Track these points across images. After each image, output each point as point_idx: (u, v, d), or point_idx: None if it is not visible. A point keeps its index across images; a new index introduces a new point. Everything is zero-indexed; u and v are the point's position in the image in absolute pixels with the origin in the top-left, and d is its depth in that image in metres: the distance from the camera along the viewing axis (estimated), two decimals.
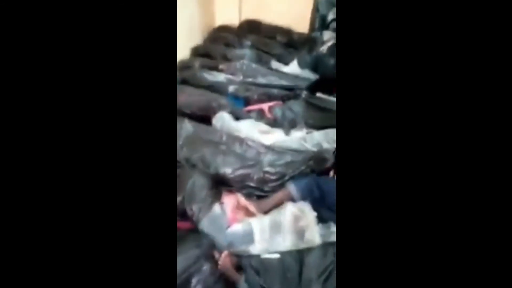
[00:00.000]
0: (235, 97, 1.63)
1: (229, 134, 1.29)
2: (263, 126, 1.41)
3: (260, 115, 1.60)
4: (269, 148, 1.21)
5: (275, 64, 2.00)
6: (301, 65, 2.02)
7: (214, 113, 1.42)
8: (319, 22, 2.70)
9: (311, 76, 1.88)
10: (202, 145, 1.23)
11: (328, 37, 2.59)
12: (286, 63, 2.07)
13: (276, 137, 1.35)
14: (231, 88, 1.59)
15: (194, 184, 1.03)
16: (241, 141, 1.24)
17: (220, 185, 1.14)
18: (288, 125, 1.53)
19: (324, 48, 2.32)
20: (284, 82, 1.73)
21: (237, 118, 1.47)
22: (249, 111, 1.60)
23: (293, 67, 1.98)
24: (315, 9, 2.63)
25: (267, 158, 1.16)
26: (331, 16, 2.77)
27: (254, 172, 1.12)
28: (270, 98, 1.65)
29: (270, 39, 2.45)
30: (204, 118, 1.46)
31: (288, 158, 1.15)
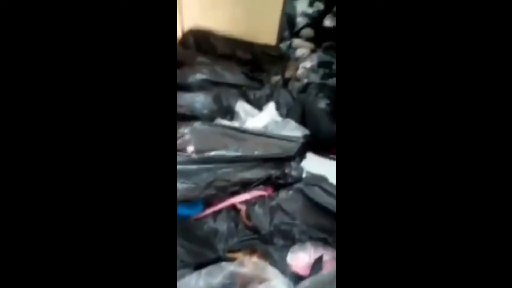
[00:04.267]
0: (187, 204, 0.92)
1: None
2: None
3: (233, 220, 1.02)
4: None
5: (242, 108, 1.39)
6: (281, 109, 1.44)
7: None
8: (287, 29, 2.12)
9: (297, 129, 1.32)
10: None
11: (302, 51, 2.03)
12: (258, 103, 1.47)
13: None
14: (179, 193, 0.85)
15: None
16: None
17: None
18: (282, 239, 0.97)
19: (301, 73, 1.76)
20: (262, 151, 1.13)
21: (201, 265, 0.78)
22: (214, 213, 0.91)
23: (269, 114, 1.39)
24: (284, 11, 2.02)
25: None
26: (301, 20, 2.21)
27: None
28: (244, 186, 1.04)
29: (228, 59, 1.80)
30: None
31: None
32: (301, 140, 1.17)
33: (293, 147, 1.14)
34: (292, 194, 0.91)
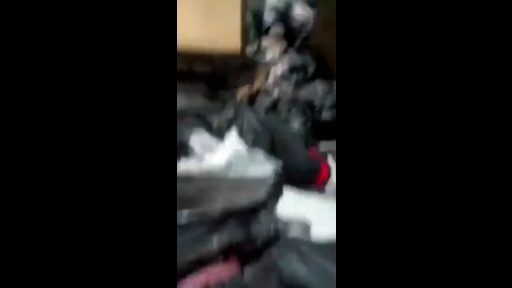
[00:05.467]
0: None
1: None
2: None
3: None
4: None
5: (197, 141, 1.11)
6: (246, 136, 1.17)
7: None
8: (253, 28, 1.84)
9: (267, 162, 1.03)
10: None
11: (273, 54, 1.76)
12: (219, 131, 1.20)
13: None
14: None
15: None
16: None
17: None
18: None
19: (271, 83, 1.48)
20: (221, 205, 0.86)
21: None
22: None
23: (231, 145, 1.12)
24: (244, 7, 1.73)
25: None
26: (268, 15, 1.93)
27: None
28: (196, 264, 0.80)
29: (182, 77, 1.52)
30: None
31: None
32: (272, 179, 0.92)
33: (262, 191, 0.88)
34: (262, 273, 0.66)
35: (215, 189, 0.87)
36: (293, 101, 1.09)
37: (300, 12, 1.72)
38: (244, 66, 1.52)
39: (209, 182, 0.89)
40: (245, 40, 1.59)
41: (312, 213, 0.86)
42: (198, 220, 0.78)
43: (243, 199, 0.85)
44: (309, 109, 1.04)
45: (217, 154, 1.01)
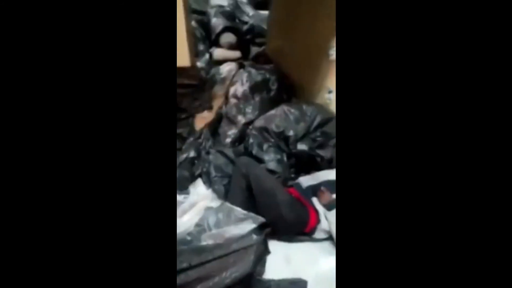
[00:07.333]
0: None
1: None
2: None
3: None
4: None
5: None
6: (216, 184, 0.97)
7: None
8: (201, 38, 1.62)
9: (246, 220, 0.79)
10: None
11: (229, 67, 1.56)
12: (181, 181, 1.00)
13: None
14: None
15: None
16: None
17: None
18: None
19: (233, 105, 1.27)
20: (209, 279, 0.62)
21: None
22: None
23: (200, 199, 0.93)
24: (187, 12, 1.48)
25: None
26: (217, 21, 1.70)
27: None
28: None
29: None
30: None
31: None
32: (255, 239, 0.78)
33: (247, 260, 0.74)
34: None
35: (187, 267, 0.71)
36: (262, 132, 0.95)
37: (250, 14, 1.55)
38: (197, 85, 1.32)
39: (181, 255, 0.73)
40: (193, 53, 1.39)
41: (304, 263, 0.74)
42: None
43: (226, 275, 0.71)
44: (282, 141, 0.91)
45: (184, 215, 0.84)
